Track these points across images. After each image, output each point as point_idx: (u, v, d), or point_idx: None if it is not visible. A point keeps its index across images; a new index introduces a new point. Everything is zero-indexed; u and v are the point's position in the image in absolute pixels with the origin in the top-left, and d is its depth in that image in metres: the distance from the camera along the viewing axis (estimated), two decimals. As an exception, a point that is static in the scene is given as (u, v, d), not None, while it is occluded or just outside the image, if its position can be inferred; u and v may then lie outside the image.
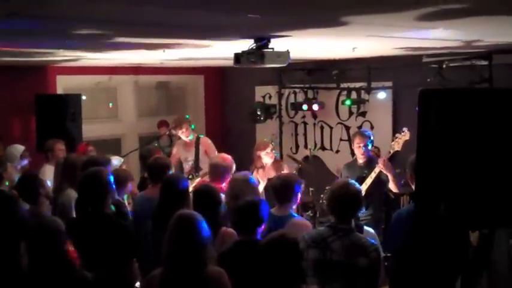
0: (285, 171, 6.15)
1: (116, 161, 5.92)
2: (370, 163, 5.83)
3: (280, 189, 4.33)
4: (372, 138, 5.96)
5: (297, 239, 3.15)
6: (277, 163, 6.39)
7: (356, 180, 5.42)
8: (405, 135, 5.67)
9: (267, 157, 6.29)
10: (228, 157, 5.42)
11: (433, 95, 3.42)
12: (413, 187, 4.15)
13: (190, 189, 5.75)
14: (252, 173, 5.99)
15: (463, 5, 3.26)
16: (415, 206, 3.69)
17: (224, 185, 5.03)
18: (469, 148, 3.20)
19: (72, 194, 4.68)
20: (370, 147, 5.91)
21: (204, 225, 3.10)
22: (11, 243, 3.49)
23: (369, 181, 5.66)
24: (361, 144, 5.85)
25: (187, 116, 7.31)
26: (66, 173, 5.14)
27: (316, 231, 3.72)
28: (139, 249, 4.10)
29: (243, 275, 3.33)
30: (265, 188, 5.91)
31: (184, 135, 6.96)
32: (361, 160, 5.91)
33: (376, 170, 5.65)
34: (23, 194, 4.51)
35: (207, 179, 5.86)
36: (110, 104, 9.48)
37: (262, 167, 6.27)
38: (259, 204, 3.90)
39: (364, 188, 5.63)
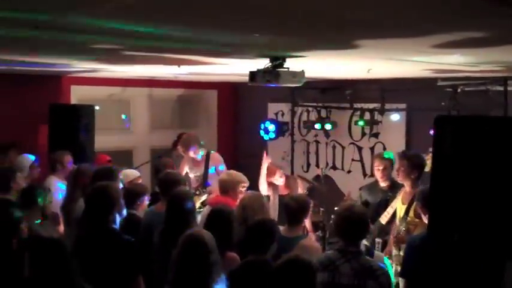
0: (299, 189, 6.10)
1: (131, 174, 5.92)
2: (395, 186, 5.61)
3: (294, 211, 4.31)
4: (394, 161, 5.75)
5: (311, 261, 3.12)
6: (289, 180, 6.30)
7: (379, 204, 5.33)
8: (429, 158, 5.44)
9: (278, 181, 6.18)
10: (234, 172, 5.42)
11: (448, 121, 3.42)
12: (424, 219, 4.11)
13: (197, 205, 5.76)
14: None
15: (482, 34, 3.24)
16: (428, 234, 3.65)
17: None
18: (483, 176, 3.18)
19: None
20: (391, 170, 5.70)
21: (214, 247, 3.07)
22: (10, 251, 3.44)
23: (394, 204, 5.37)
24: (380, 168, 5.68)
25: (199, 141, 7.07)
26: (78, 183, 5.15)
27: (324, 255, 3.70)
28: (146, 265, 4.06)
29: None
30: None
31: (194, 155, 6.82)
32: (384, 184, 5.73)
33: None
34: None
35: (214, 194, 5.86)
36: (124, 116, 9.49)
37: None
38: (271, 224, 3.89)
39: (390, 211, 5.37)
